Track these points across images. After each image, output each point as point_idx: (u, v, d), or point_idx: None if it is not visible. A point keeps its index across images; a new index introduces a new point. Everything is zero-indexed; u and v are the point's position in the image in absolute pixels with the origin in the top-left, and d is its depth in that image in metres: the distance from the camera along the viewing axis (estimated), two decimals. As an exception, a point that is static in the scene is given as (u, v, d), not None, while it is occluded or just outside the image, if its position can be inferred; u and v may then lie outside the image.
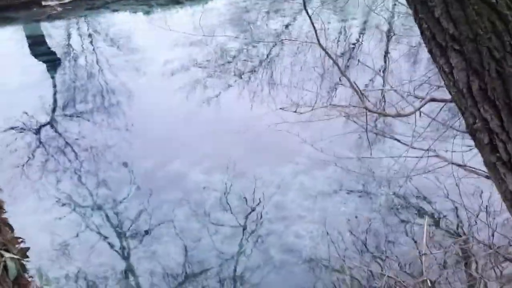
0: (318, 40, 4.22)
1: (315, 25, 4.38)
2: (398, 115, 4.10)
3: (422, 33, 1.58)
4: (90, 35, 12.75)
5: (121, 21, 13.50)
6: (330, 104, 4.57)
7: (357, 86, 4.04)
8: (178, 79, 9.46)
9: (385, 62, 6.76)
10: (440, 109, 4.77)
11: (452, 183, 4.92)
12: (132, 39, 11.89)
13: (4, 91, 9.32)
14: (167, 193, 6.38)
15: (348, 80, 3.90)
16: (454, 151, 4.52)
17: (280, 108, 6.72)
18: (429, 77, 5.06)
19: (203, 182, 6.57)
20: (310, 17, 4.12)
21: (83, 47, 11.83)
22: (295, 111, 4.70)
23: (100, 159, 7.22)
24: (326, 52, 4.35)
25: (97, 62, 10.86)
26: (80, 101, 9.04)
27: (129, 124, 8.16)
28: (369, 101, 4.21)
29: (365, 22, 11.06)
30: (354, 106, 3.94)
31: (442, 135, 4.85)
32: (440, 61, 1.57)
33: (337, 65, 4.59)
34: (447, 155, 4.47)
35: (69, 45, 11.99)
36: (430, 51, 1.60)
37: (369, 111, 3.90)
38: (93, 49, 11.69)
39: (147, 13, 13.72)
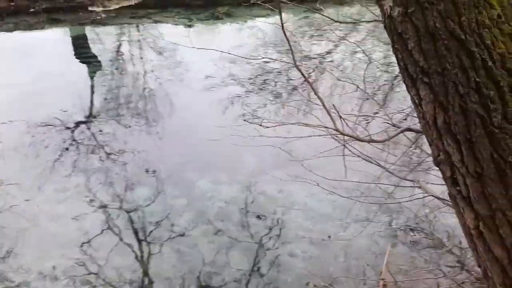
0: (294, 61, 4.26)
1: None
2: (371, 140, 4.06)
3: (398, 63, 1.63)
4: (131, 42, 13.23)
5: (162, 31, 13.94)
6: (301, 123, 4.52)
7: (335, 108, 3.99)
8: (215, 92, 9.63)
9: (365, 85, 6.88)
10: (416, 140, 4.77)
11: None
12: (172, 49, 12.23)
13: (45, 88, 9.81)
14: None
15: (320, 99, 3.89)
16: (433, 183, 4.47)
17: (244, 120, 6.80)
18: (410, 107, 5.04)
19: (210, 191, 6.70)
20: (287, 38, 4.15)
21: (123, 53, 12.29)
22: (260, 125, 4.71)
23: (128, 162, 7.44)
24: (301, 73, 4.36)
25: (136, 68, 11.27)
26: (116, 104, 9.36)
27: (161, 131, 8.43)
28: (347, 124, 4.14)
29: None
30: (325, 127, 3.90)
31: (419, 165, 4.89)
32: (411, 92, 1.61)
33: (310, 84, 4.67)
34: (426, 186, 4.42)
35: (110, 50, 12.49)
36: (404, 82, 1.64)
37: (341, 133, 3.87)
38: (134, 56, 12.13)
39: (188, 26, 14.13)
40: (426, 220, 5.90)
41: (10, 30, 13.71)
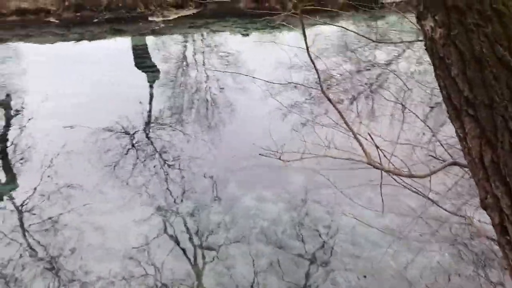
0: (321, 87, 4.00)
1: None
2: (411, 175, 3.65)
3: (440, 91, 1.44)
4: (189, 51, 13.52)
5: (220, 40, 14.18)
6: (328, 156, 4.15)
7: (371, 138, 3.67)
8: (274, 100, 9.56)
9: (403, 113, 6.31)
10: (462, 176, 4.33)
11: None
12: (230, 58, 12.41)
13: (107, 95, 10.17)
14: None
15: (351, 130, 3.58)
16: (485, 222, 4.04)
17: (260, 154, 6.53)
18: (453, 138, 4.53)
19: (254, 209, 6.51)
20: (313, 62, 3.92)
21: (182, 62, 12.56)
22: (279, 158, 4.37)
23: (184, 169, 7.51)
24: (329, 99, 4.06)
25: (194, 77, 11.46)
26: (174, 112, 9.53)
27: (217, 139, 8.47)
28: (384, 155, 3.79)
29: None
30: (357, 161, 3.55)
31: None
32: (455, 124, 1.43)
33: (339, 112, 4.08)
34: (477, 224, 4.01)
35: (169, 59, 12.78)
36: (447, 112, 1.44)
37: (374, 167, 3.48)
38: (192, 64, 12.37)
39: (245, 35, 14.26)
40: (477, 258, 5.47)
41: (76, 40, 14.36)
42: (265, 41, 11.87)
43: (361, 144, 3.57)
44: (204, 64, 12.31)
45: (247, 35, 14.16)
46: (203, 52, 13.42)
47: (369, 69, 11.40)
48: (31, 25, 15.24)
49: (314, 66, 4.06)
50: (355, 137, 3.61)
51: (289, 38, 13.64)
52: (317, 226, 6.18)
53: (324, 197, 6.60)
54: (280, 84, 4.35)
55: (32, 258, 5.62)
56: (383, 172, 3.77)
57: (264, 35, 14.31)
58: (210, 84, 10.97)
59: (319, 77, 4.12)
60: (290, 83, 4.28)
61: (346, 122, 3.93)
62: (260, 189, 6.90)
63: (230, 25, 15.12)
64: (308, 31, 4.16)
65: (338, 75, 10.86)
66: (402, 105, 6.01)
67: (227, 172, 7.36)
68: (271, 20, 14.56)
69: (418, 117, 6.04)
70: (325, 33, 12.99)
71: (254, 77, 6.98)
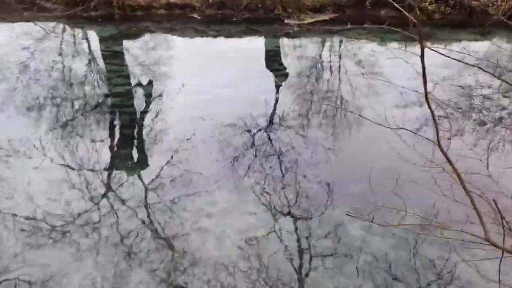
0: (439, 143, 3.33)
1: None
2: None
3: None
4: (321, 56, 13.50)
5: (354, 47, 13.96)
6: (439, 226, 3.44)
7: (497, 208, 2.96)
8: (408, 110, 9.22)
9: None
10: None
11: None
12: (364, 66, 12.15)
13: (236, 92, 10.57)
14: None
15: (470, 198, 2.89)
16: None
17: (347, 214, 5.81)
18: None
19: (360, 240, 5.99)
20: (432, 112, 3.27)
21: (312, 66, 12.58)
22: (371, 221, 3.76)
23: (299, 174, 7.48)
24: (447, 158, 3.38)
25: (324, 82, 11.41)
26: (298, 115, 9.54)
27: (338, 148, 8.28)
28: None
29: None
30: (473, 235, 2.87)
31: None
32: None
33: (458, 174, 3.38)
34: None
35: (299, 62, 12.89)
36: None
37: (494, 245, 2.84)
38: (322, 69, 12.34)
39: (382, 45, 13.86)
40: None
41: (213, 36, 15.18)
42: (398, 53, 11.36)
43: (480, 216, 3.06)
44: (338, 70, 12.19)
45: (384, 45, 13.70)
46: (336, 57, 13.32)
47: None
48: (176, 19, 16.50)
49: (433, 117, 3.50)
50: (474, 207, 3.10)
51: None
52: (427, 273, 5.52)
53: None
54: (390, 128, 3.96)
55: (151, 234, 6.03)
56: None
57: (402, 46, 13.69)
58: (340, 90, 10.82)
59: (437, 131, 3.49)
60: (400, 128, 3.80)
61: (464, 188, 3.39)
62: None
63: (367, 33, 14.77)
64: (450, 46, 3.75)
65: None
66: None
67: (341, 184, 7.17)
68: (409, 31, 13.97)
69: None
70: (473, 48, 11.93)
71: (390, 82, 6.57)
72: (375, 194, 5.90)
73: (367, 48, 13.69)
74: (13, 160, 7.62)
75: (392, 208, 4.31)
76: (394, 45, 13.64)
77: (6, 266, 5.39)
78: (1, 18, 16.30)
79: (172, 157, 7.80)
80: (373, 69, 12.07)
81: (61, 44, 14.28)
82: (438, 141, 3.48)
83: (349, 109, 9.80)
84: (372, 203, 5.97)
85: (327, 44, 14.81)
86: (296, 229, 6.21)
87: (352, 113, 9.33)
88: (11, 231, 6.01)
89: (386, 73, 11.45)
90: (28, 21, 15.35)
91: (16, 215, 6.30)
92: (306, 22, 15.98)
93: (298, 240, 6.00)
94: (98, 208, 6.52)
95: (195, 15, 16.67)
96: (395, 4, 3.57)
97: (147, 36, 15.26)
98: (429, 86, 3.51)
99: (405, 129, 4.17)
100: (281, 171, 7.53)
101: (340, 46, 14.48)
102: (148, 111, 9.78)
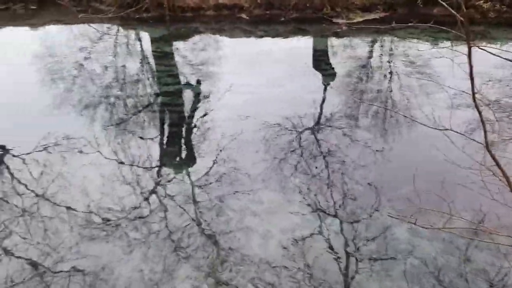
0: (487, 146, 3.09)
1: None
2: None
3: None
4: (370, 56, 13.27)
5: (404, 47, 13.62)
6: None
7: None
8: (460, 113, 8.92)
9: None
10: None
11: None
12: (417, 66, 11.84)
13: (282, 92, 10.58)
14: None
15: None
16: None
17: (389, 215, 5.45)
18: None
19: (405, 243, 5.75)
20: (480, 114, 3.05)
21: (361, 67, 12.38)
22: (414, 223, 3.55)
23: (346, 174, 7.40)
24: (496, 161, 3.19)
25: (372, 82, 11.21)
26: (344, 115, 9.42)
27: (387, 150, 8.10)
28: None
29: None
30: None
31: None
32: None
33: (508, 179, 3.22)
34: None
35: (347, 62, 12.71)
36: None
37: None
38: (371, 70, 12.11)
39: (434, 45, 13.43)
40: None
41: (260, 37, 15.25)
42: (449, 53, 10.97)
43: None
44: (387, 70, 11.95)
45: (436, 45, 13.27)
46: (385, 57, 13.06)
47: None
48: (224, 20, 16.71)
49: (481, 118, 3.39)
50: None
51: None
52: (477, 280, 5.29)
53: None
54: (437, 129, 3.79)
55: (197, 230, 6.16)
56: None
57: (457, 47, 13.22)
58: (389, 90, 10.61)
59: (485, 132, 3.40)
60: (447, 129, 3.62)
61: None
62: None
63: (419, 32, 14.37)
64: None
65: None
66: None
67: (389, 186, 7.02)
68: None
69: None
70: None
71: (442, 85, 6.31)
72: (421, 196, 5.76)
73: (418, 47, 13.31)
74: (69, 156, 8.00)
75: (435, 211, 4.20)
76: (445, 44, 13.20)
77: (62, 257, 5.68)
78: (60, 20, 17.13)
79: (218, 156, 7.93)
80: (423, 69, 11.74)
81: (114, 45, 14.84)
82: (487, 143, 3.38)
83: (398, 109, 9.59)
84: (417, 205, 5.85)
85: (377, 43, 14.53)
86: (342, 230, 6.15)
87: (398, 113, 9.14)
88: (67, 223, 6.32)
89: (436, 73, 11.13)
90: (84, 22, 16.01)
91: (71, 208, 6.62)
92: (355, 21, 15.77)
93: (344, 242, 5.94)
94: (148, 204, 6.73)
95: (243, 16, 16.81)
96: (442, 2, 3.47)
97: (196, 37, 15.57)
98: (479, 87, 3.39)
99: (453, 130, 4.06)
100: (327, 171, 7.48)
101: (389, 46, 14.17)
102: (196, 110, 9.98)
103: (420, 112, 9.13)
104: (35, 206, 6.70)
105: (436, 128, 4.17)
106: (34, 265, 5.59)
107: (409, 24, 4.43)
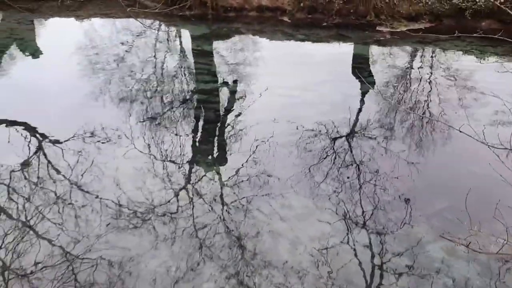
0: None
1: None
2: None
3: None
4: (413, 66, 12.98)
5: (448, 59, 13.26)
6: None
7: None
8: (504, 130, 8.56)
9: None
10: None
11: None
12: (463, 80, 11.49)
13: (319, 97, 10.47)
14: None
15: None
16: None
17: (441, 236, 5.14)
18: None
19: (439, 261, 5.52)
20: None
21: (401, 77, 12.12)
22: (466, 246, 3.30)
23: (377, 185, 7.23)
24: None
25: (412, 93, 10.96)
26: (380, 125, 9.23)
27: (420, 160, 7.89)
28: None
29: None
30: None
31: None
32: None
33: None
34: None
35: (386, 71, 12.47)
36: None
37: None
38: (411, 81, 11.85)
39: (479, 59, 13.02)
40: None
41: (301, 41, 15.16)
42: (496, 67, 10.60)
43: None
44: (428, 81, 11.64)
45: (482, 59, 12.84)
46: (428, 68, 12.72)
47: None
48: (266, 22, 16.71)
49: None
50: None
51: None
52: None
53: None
54: (497, 148, 3.53)
55: (224, 230, 6.14)
56: None
57: (501, 60, 12.76)
58: (428, 102, 10.32)
59: None
60: (483, 143, 3.38)
61: None
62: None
63: (465, 45, 13.94)
64: None
65: None
66: None
67: (422, 201, 6.81)
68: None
69: None
70: None
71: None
72: (456, 212, 5.55)
73: (463, 60, 12.92)
74: (104, 147, 8.15)
75: (487, 234, 4.00)
76: (493, 58, 12.75)
77: (91, 246, 5.77)
78: (105, 14, 17.55)
79: (250, 157, 7.89)
80: (467, 83, 11.36)
81: (156, 41, 15.08)
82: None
83: (446, 121, 9.26)
84: (453, 222, 5.63)
85: (419, 53, 14.18)
86: (371, 242, 5.99)
87: (438, 121, 8.87)
88: (97, 213, 6.42)
89: (482, 87, 10.74)
90: (129, 17, 16.34)
91: (102, 198, 6.72)
92: (398, 30, 15.45)
93: (372, 254, 5.79)
94: (177, 200, 6.77)
95: (285, 18, 16.77)
96: (507, 9, 3.31)
97: (236, 37, 15.63)
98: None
99: (493, 146, 3.88)
100: (360, 181, 7.33)
101: (432, 57, 13.80)
102: (231, 110, 9.99)
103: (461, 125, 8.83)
104: (68, 194, 6.84)
105: (479, 141, 3.99)
106: (63, 250, 5.70)
107: (454, 35, 4.25)
